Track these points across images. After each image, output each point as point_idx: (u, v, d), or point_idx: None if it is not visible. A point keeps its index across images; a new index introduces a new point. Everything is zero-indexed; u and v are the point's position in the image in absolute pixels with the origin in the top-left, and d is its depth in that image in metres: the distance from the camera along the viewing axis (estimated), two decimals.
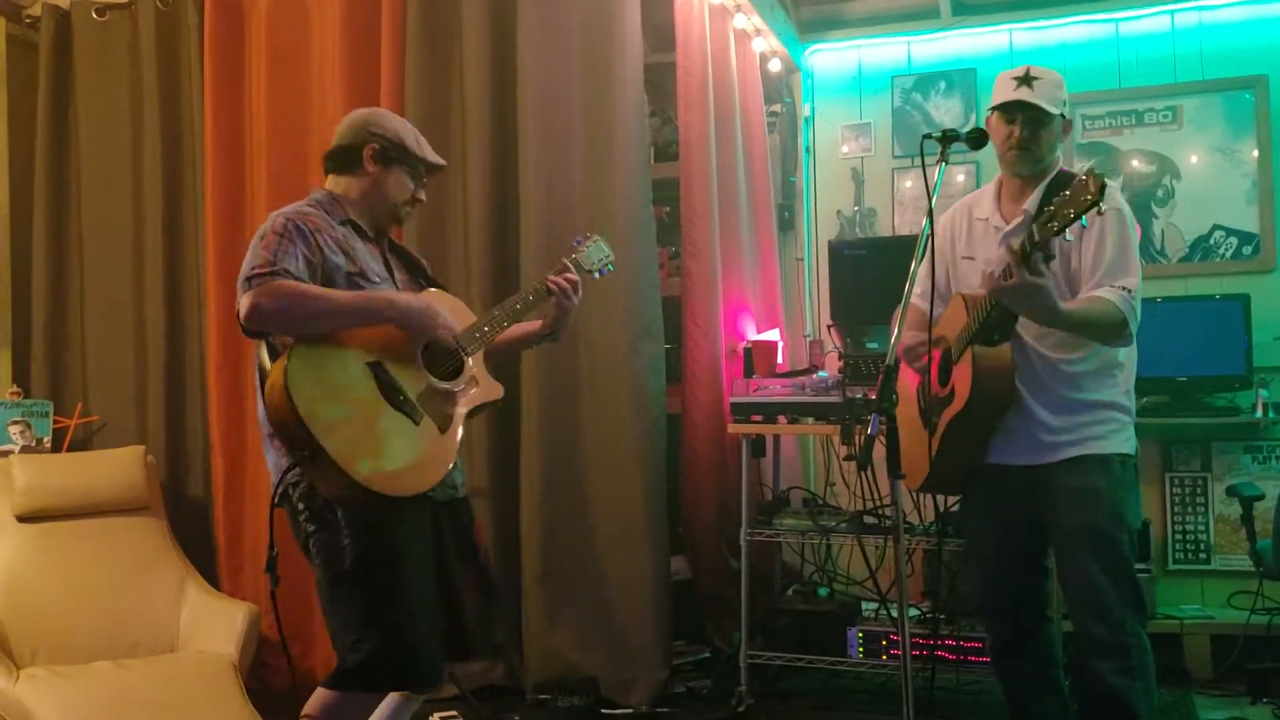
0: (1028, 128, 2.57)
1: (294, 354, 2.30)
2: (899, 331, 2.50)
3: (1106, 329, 2.45)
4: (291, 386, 2.25)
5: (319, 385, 2.31)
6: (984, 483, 2.66)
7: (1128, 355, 2.59)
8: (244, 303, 2.29)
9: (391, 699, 2.50)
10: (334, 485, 2.30)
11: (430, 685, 2.52)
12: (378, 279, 2.49)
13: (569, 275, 2.67)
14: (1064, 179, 2.57)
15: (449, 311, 2.52)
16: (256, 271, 2.32)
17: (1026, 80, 2.58)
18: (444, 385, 2.46)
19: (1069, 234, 2.23)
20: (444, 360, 2.48)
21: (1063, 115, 2.61)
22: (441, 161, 2.64)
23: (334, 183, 2.56)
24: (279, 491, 2.38)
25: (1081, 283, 2.51)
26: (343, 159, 2.55)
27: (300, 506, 2.38)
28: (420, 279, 2.65)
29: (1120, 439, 2.56)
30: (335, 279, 2.41)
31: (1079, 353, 2.53)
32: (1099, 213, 2.14)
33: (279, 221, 2.42)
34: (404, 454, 2.37)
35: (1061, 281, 2.49)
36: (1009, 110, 2.59)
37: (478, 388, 2.54)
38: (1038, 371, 2.55)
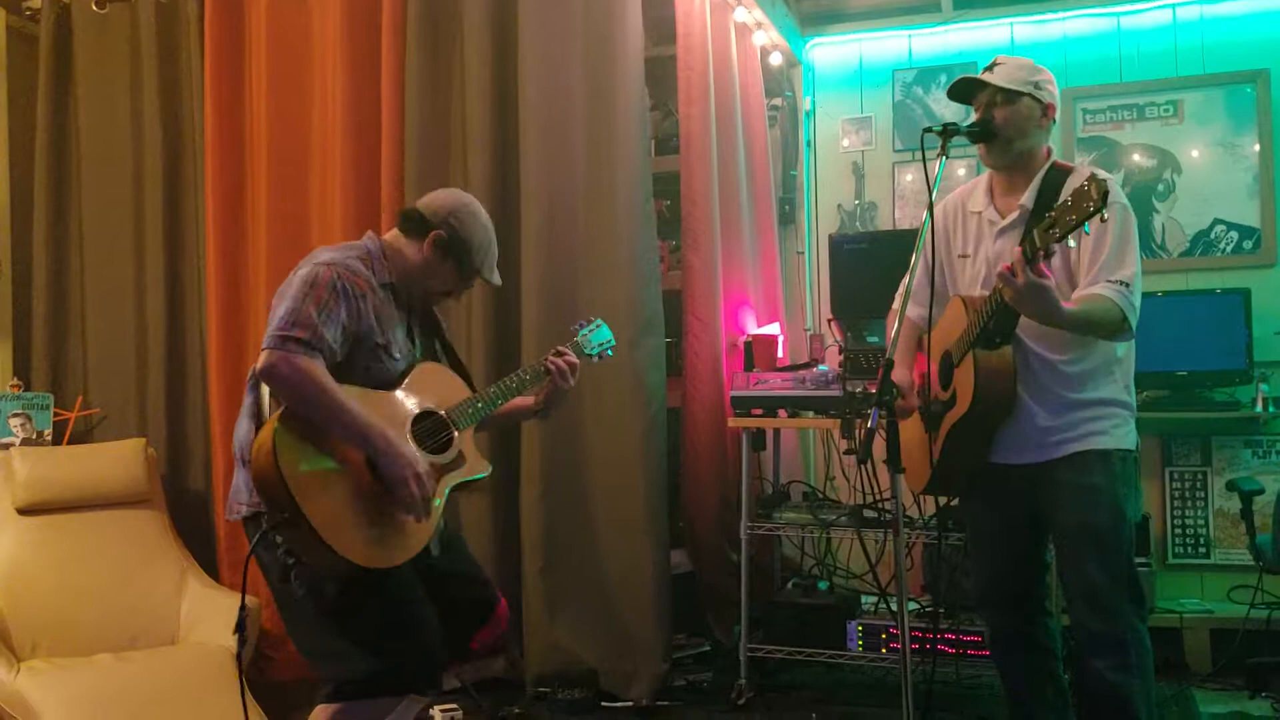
0: (985, 110, 2.56)
1: (287, 415, 2.28)
2: (897, 328, 2.50)
3: (1106, 326, 2.44)
4: (279, 448, 2.23)
5: (308, 451, 2.29)
6: (985, 481, 2.66)
7: (1126, 351, 2.58)
8: (266, 359, 2.28)
9: (401, 700, 2.48)
10: (310, 551, 2.27)
11: (436, 687, 2.52)
12: (398, 355, 2.49)
13: (569, 358, 2.69)
14: (1059, 174, 2.56)
15: (442, 387, 2.52)
16: (297, 335, 2.31)
17: (990, 67, 2.57)
18: (431, 458, 2.43)
19: (1071, 239, 2.22)
20: (435, 434, 2.47)
21: (1035, 98, 2.56)
22: (496, 282, 2.66)
23: (394, 237, 2.56)
24: (256, 539, 2.34)
25: (1080, 277, 2.50)
26: (412, 225, 2.55)
27: (279, 540, 2.32)
28: (435, 341, 2.67)
29: (1121, 434, 2.55)
30: (363, 344, 2.42)
31: (1077, 352, 2.52)
32: (1102, 219, 2.13)
33: (329, 275, 2.39)
34: (384, 526, 2.35)
35: (1060, 276, 2.47)
36: (965, 93, 2.59)
37: (465, 464, 2.52)
38: (1037, 373, 2.53)
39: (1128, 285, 2.43)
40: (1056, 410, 2.53)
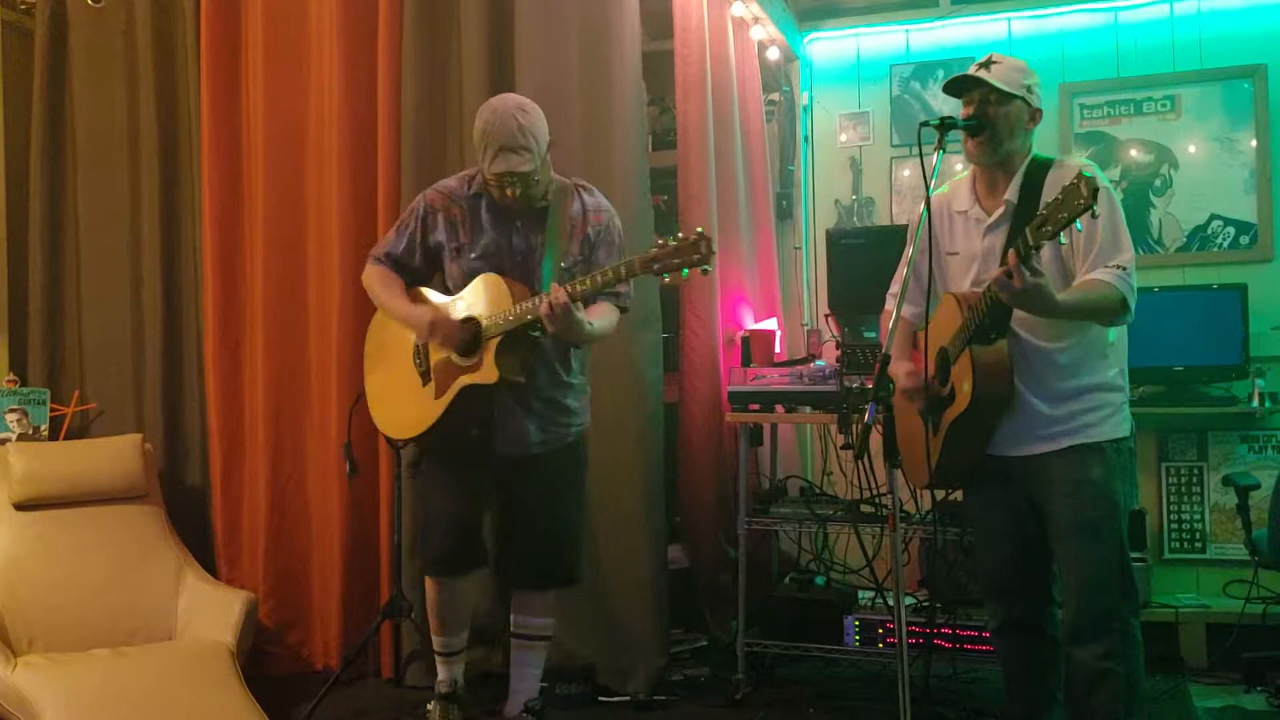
0: (979, 106, 2.57)
1: (378, 314, 3.16)
2: (894, 323, 2.51)
3: (1107, 310, 2.47)
4: (367, 337, 3.19)
5: (378, 340, 3.15)
6: (986, 474, 2.68)
7: (1118, 335, 2.61)
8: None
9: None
10: None
11: (444, 573, 3.15)
12: (475, 254, 2.97)
13: (553, 300, 2.75)
14: (1040, 167, 2.58)
15: (494, 298, 2.89)
16: (372, 254, 3.14)
17: (986, 64, 2.59)
18: (455, 359, 2.92)
19: (1062, 236, 2.24)
20: (471, 338, 2.91)
21: (1026, 101, 2.59)
22: (490, 170, 2.87)
23: None
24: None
25: (1076, 264, 2.52)
26: None
27: None
28: (544, 243, 2.96)
29: (1114, 423, 2.58)
30: (440, 255, 3.05)
31: (1069, 340, 2.55)
32: (1093, 216, 2.15)
33: (418, 201, 3.09)
34: (400, 404, 3.04)
35: (1054, 266, 2.50)
36: (961, 89, 2.60)
37: (480, 369, 2.87)
38: (1031, 362, 2.56)
39: (1125, 269, 2.46)
40: (1052, 399, 2.56)
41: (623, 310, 3.07)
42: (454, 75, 3.91)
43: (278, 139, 4.02)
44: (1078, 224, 2.17)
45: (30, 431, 4.01)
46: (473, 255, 2.97)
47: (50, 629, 3.44)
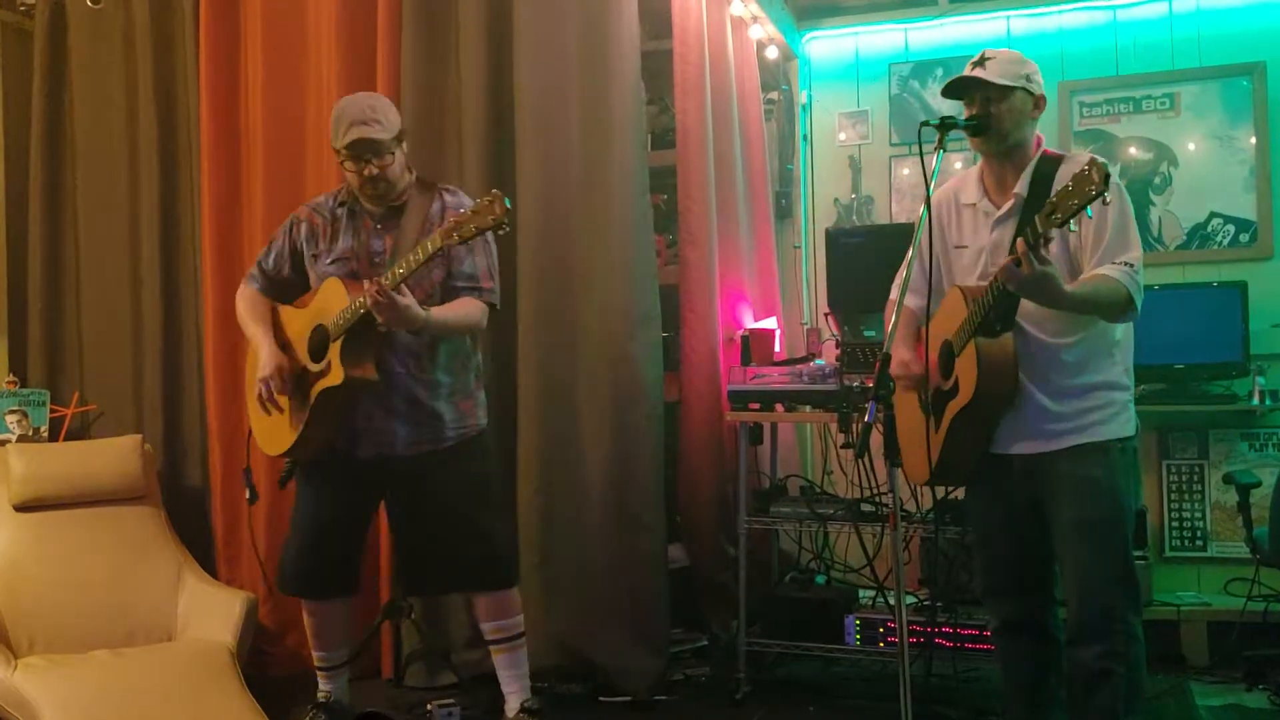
0: (980, 105, 2.56)
1: None
2: (895, 319, 2.50)
3: (1112, 306, 2.46)
4: (247, 357, 3.15)
5: (255, 361, 3.05)
6: (988, 471, 2.67)
7: (1124, 333, 2.60)
8: None
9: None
10: None
11: (298, 594, 3.23)
12: (329, 259, 3.03)
13: (371, 292, 2.75)
14: (1051, 162, 2.58)
15: (336, 300, 2.90)
16: (249, 272, 3.20)
17: (980, 62, 2.58)
18: (310, 367, 2.93)
19: (1073, 223, 2.23)
20: (320, 344, 2.92)
21: (1027, 91, 2.57)
22: (343, 141, 2.92)
23: None
24: None
25: (1083, 260, 2.51)
26: None
27: None
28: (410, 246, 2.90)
29: (1119, 422, 2.56)
30: (304, 263, 3.10)
31: (1076, 336, 2.53)
32: (1104, 202, 2.14)
33: (290, 216, 3.17)
34: (266, 421, 3.03)
35: (1062, 260, 2.49)
36: (960, 91, 2.60)
37: (329, 373, 2.87)
38: (1036, 358, 2.55)
39: (1133, 266, 2.45)
40: (1057, 396, 2.55)
41: (491, 307, 3.09)
42: (453, 76, 3.90)
43: (277, 139, 4.02)
44: (1088, 210, 2.16)
45: (30, 433, 4.01)
46: (328, 261, 3.03)
47: (50, 630, 3.44)
